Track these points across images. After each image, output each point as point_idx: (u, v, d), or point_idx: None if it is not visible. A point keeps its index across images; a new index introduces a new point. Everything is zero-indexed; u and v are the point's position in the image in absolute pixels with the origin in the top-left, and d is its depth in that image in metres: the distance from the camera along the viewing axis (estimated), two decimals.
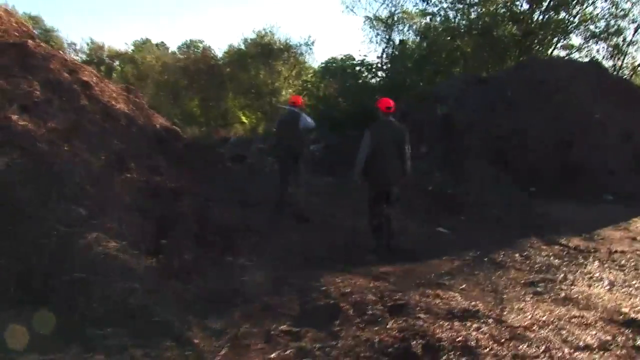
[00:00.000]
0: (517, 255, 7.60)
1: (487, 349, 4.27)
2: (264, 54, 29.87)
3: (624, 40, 24.21)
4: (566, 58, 23.07)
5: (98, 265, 5.06)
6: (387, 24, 27.20)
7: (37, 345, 4.09)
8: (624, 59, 24.90)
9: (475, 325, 4.73)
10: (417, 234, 9.03)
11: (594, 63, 19.31)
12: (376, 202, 7.85)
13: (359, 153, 7.66)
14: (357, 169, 7.72)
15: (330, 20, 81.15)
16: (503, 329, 4.71)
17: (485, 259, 7.38)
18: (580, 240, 8.66)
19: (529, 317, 5.04)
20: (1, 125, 6.52)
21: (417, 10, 26.42)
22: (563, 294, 5.84)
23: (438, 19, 24.93)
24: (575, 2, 23.05)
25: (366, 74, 25.88)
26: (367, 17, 27.84)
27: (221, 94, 30.73)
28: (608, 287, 6.18)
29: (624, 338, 4.59)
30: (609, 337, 4.60)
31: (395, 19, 27.22)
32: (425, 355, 4.20)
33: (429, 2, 24.61)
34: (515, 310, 5.24)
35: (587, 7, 23.52)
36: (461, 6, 24.13)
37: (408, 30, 27.85)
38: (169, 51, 40.13)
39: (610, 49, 24.34)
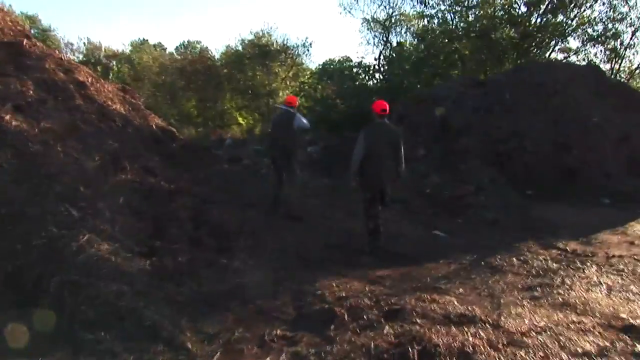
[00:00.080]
0: (514, 259, 7.53)
1: (484, 355, 4.20)
2: (261, 55, 29.80)
3: (622, 43, 24.27)
4: (564, 61, 23.09)
5: (90, 267, 4.99)
6: (384, 26, 27.20)
7: (26, 347, 4.03)
8: (621, 63, 24.97)
9: (472, 331, 4.65)
10: (413, 236, 8.98)
11: (592, 66, 19.34)
12: (371, 204, 7.83)
13: (354, 155, 7.68)
14: (351, 170, 7.75)
15: (327, 22, 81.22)
16: (500, 334, 4.63)
17: (482, 263, 7.32)
18: (578, 244, 8.61)
19: (527, 322, 4.97)
20: None
21: (415, 13, 26.43)
22: (561, 299, 5.77)
23: (436, 21, 24.96)
24: (573, 5, 23.08)
25: (363, 75, 25.90)
26: (365, 19, 27.85)
27: (218, 95, 30.67)
28: (606, 292, 6.11)
29: (622, 344, 4.51)
30: (607, 343, 4.53)
31: (393, 21, 27.25)
32: None
33: (427, 4, 24.64)
34: (513, 315, 5.17)
35: (584, 10, 23.58)
36: (459, 9, 24.16)
37: (405, 33, 27.89)
38: (167, 52, 40.14)
39: (607, 52, 24.39)
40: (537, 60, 22.14)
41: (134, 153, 8.94)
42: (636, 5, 23.51)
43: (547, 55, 24.17)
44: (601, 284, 6.43)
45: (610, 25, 23.62)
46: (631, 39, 24.30)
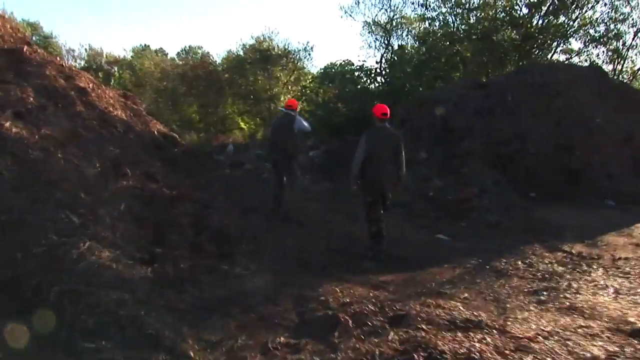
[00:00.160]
0: (519, 262, 7.47)
1: None
2: (263, 60, 29.76)
3: (624, 44, 24.19)
4: (566, 62, 23.02)
5: (90, 275, 4.93)
6: (385, 29, 27.16)
7: (26, 356, 3.97)
8: (623, 63, 24.89)
9: (478, 336, 4.58)
10: (416, 240, 8.92)
11: (594, 67, 19.27)
12: (373, 208, 7.80)
13: (354, 159, 7.66)
14: (352, 174, 7.72)
15: (329, 26, 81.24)
16: (507, 339, 4.56)
17: (487, 267, 7.26)
18: (583, 246, 8.54)
19: (534, 327, 4.90)
20: None
21: (416, 15, 26.39)
22: (568, 303, 5.70)
23: (437, 23, 24.91)
24: (574, 6, 23.02)
25: (365, 79, 25.85)
26: (366, 22, 27.81)
27: (220, 100, 30.65)
28: (613, 296, 6.04)
29: (632, 349, 4.43)
30: (616, 348, 4.45)
31: (394, 24, 27.21)
32: None
33: (428, 7, 24.61)
34: (519, 320, 5.10)
35: (586, 11, 23.52)
36: (460, 11, 24.11)
37: (407, 36, 27.85)
38: (168, 57, 40.15)
39: (609, 53, 24.31)
40: (539, 62, 22.08)
41: (135, 159, 8.89)
42: (638, 5, 23.47)
43: (549, 56, 24.13)
44: (608, 287, 6.37)
45: (612, 26, 23.58)
46: (633, 39, 24.25)
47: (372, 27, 27.70)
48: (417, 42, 27.10)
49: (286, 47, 31.21)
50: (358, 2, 27.68)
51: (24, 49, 8.96)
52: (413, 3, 25.37)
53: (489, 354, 4.21)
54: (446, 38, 24.38)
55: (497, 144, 14.08)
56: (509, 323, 4.99)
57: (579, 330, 4.87)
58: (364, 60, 29.75)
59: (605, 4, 23.23)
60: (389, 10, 26.99)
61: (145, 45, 44.25)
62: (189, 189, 9.06)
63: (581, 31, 23.78)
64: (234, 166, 14.51)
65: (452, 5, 24.10)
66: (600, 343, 4.57)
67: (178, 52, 42.50)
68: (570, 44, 24.59)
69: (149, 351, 4.15)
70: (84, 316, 4.37)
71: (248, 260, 6.72)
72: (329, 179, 13.21)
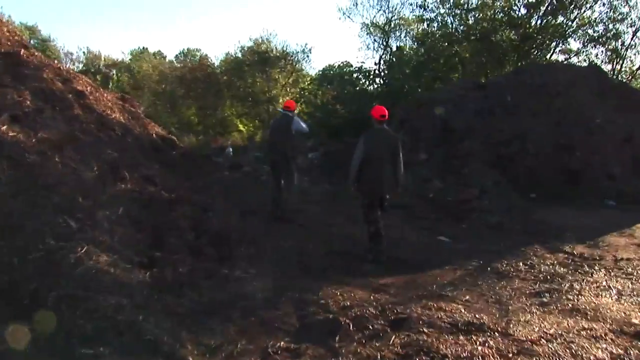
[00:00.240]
0: (520, 264, 7.42)
1: None
2: (261, 62, 29.77)
3: (623, 44, 24.16)
4: (565, 62, 22.99)
5: (88, 280, 4.87)
6: (384, 31, 27.15)
7: None
8: (622, 63, 24.85)
9: (481, 339, 4.53)
10: (417, 242, 8.87)
11: (594, 67, 19.23)
12: (370, 209, 7.79)
13: (353, 160, 7.68)
14: (350, 176, 7.74)
15: (327, 27, 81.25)
16: (510, 343, 4.52)
17: (488, 269, 7.21)
18: (585, 247, 8.49)
19: (536, 329, 4.86)
20: None
21: (414, 17, 26.36)
22: (570, 305, 5.65)
23: (435, 24, 24.87)
24: (573, 6, 22.99)
25: (364, 80, 25.81)
26: (364, 24, 27.79)
27: (218, 103, 30.64)
28: (616, 297, 6.00)
29: (636, 351, 4.39)
30: (620, 351, 4.41)
31: (393, 25, 27.18)
32: None
33: (426, 8, 24.56)
34: (522, 322, 5.05)
35: (585, 11, 23.49)
36: (459, 12, 24.08)
37: (405, 37, 27.82)
38: (166, 60, 40.13)
39: (608, 53, 24.28)
40: (538, 62, 22.05)
41: (133, 162, 8.84)
42: (636, 5, 23.44)
43: (547, 57, 24.09)
44: (611, 288, 6.32)
45: (610, 26, 23.54)
46: (632, 39, 24.22)
47: (371, 28, 27.72)
48: (415, 43, 27.09)
49: (284, 49, 31.27)
50: (356, 3, 27.74)
51: (21, 52, 8.92)
52: (411, 4, 25.38)
53: (491, 358, 4.17)
54: (445, 39, 24.35)
55: (497, 145, 14.04)
56: (511, 326, 4.94)
57: (583, 332, 4.83)
58: (363, 62, 29.75)
59: (604, 4, 23.23)
60: (387, 11, 27.02)
61: (143, 48, 44.29)
62: (188, 191, 9.01)
63: (580, 31, 23.77)
64: (233, 169, 14.46)
65: (451, 6, 24.09)
66: (604, 345, 4.53)
67: (176, 55, 42.52)
68: (569, 44, 24.59)
69: (147, 357, 4.10)
70: (81, 321, 4.31)
71: (247, 263, 6.67)
72: (329, 180, 13.16)
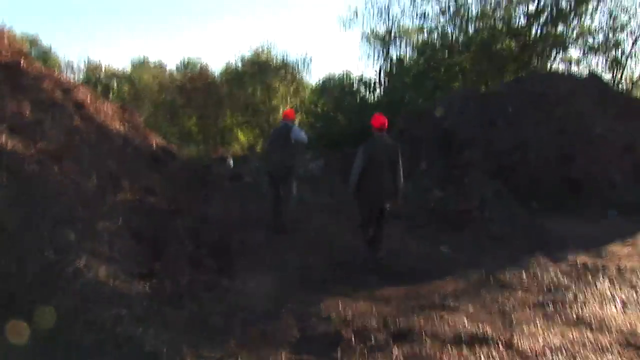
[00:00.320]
0: (523, 274, 7.33)
1: None
2: (261, 72, 29.80)
3: (623, 53, 24.16)
4: (565, 72, 22.99)
5: (87, 292, 4.83)
6: (384, 41, 27.18)
7: None
8: (622, 72, 24.84)
9: (484, 351, 4.49)
10: (418, 252, 8.77)
11: (594, 76, 19.22)
12: (368, 217, 7.86)
13: (353, 170, 7.72)
14: (351, 185, 7.77)
15: (327, 38, 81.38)
16: (514, 355, 4.47)
17: (491, 279, 7.13)
18: (588, 257, 8.41)
19: (541, 341, 4.80)
20: None
21: (415, 27, 26.41)
22: (575, 316, 5.59)
23: (436, 34, 24.91)
24: (573, 15, 23.02)
25: (364, 90, 25.83)
26: (364, 34, 27.84)
27: (218, 112, 30.63)
28: (621, 308, 5.94)
29: None
30: None
31: (393, 35, 27.22)
32: None
33: (426, 18, 24.60)
34: (526, 334, 4.99)
35: (584, 20, 23.52)
36: (459, 22, 24.12)
37: (406, 47, 27.85)
38: (167, 70, 40.13)
39: (608, 61, 24.28)
40: (538, 72, 22.06)
41: (133, 173, 8.82)
42: (636, 14, 23.43)
43: (548, 66, 24.09)
44: (615, 298, 6.26)
45: (610, 35, 23.56)
46: (632, 48, 24.22)
47: (371, 38, 27.76)
48: (415, 53, 27.11)
49: (284, 59, 31.28)
50: (356, 13, 27.76)
51: (21, 63, 8.89)
52: (411, 14, 25.45)
53: None
54: (445, 48, 24.38)
55: (498, 154, 13.98)
56: (515, 337, 4.88)
57: (588, 344, 4.77)
58: (363, 72, 29.81)
59: (604, 13, 23.25)
60: (387, 21, 27.06)
61: (144, 58, 44.27)
62: (188, 202, 8.99)
63: (580, 40, 23.79)
64: (233, 179, 14.38)
65: (451, 16, 24.13)
66: (610, 357, 4.48)
67: (177, 65, 42.49)
68: (569, 53, 24.60)
69: None
70: (80, 334, 4.26)
71: (248, 274, 6.61)
72: (329, 191, 13.09)
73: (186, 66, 38.40)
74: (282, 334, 4.97)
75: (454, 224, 10.83)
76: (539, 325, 5.30)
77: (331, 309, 5.64)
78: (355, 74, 26.94)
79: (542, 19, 23.19)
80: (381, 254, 7.79)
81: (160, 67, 40.44)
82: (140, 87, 32.79)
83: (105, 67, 36.71)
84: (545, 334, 5.01)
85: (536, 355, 4.45)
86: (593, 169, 13.59)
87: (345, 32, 54.36)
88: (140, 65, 38.86)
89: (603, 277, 7.21)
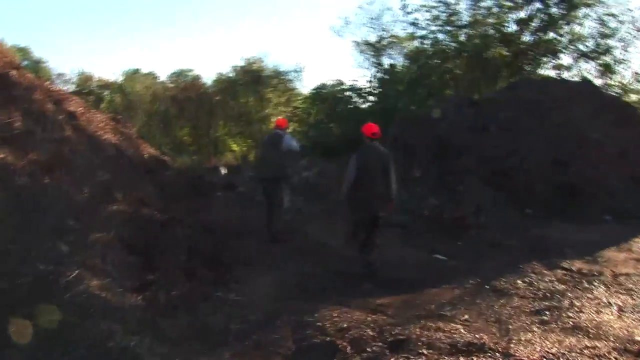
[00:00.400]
0: (519, 281, 7.29)
1: None
2: (253, 81, 29.83)
3: (614, 59, 24.22)
4: (558, 78, 23.05)
5: (79, 305, 4.76)
6: (376, 48, 27.22)
7: None
8: (613, 78, 24.89)
9: None
10: (413, 261, 8.74)
11: (587, 82, 19.25)
12: (359, 225, 7.93)
13: (345, 178, 7.79)
14: (343, 194, 7.84)
15: (319, 46, 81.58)
16: None
17: (487, 287, 7.08)
18: (583, 263, 8.37)
19: (538, 349, 4.74)
20: None
21: (406, 34, 26.46)
22: (571, 323, 5.54)
23: (427, 42, 24.94)
24: (563, 22, 23.10)
25: (357, 98, 25.84)
26: (356, 42, 27.88)
27: (211, 122, 30.62)
28: (618, 314, 5.89)
29: None
30: None
31: (385, 43, 27.27)
32: None
33: (418, 25, 24.64)
34: (523, 342, 4.94)
35: (575, 26, 23.59)
36: (450, 29, 24.17)
37: (398, 54, 27.90)
38: (159, 80, 40.09)
39: (600, 67, 24.34)
40: (531, 78, 22.10)
41: (126, 183, 8.76)
42: (626, 20, 23.48)
43: (540, 72, 24.15)
44: (611, 304, 6.21)
45: (601, 41, 23.63)
46: (622, 54, 24.28)
47: (362, 46, 27.79)
48: (407, 61, 27.14)
49: (277, 68, 31.33)
50: (348, 22, 27.79)
51: (12, 74, 8.84)
52: (403, 22, 25.49)
53: None
54: (437, 56, 24.42)
55: (492, 161, 13.95)
56: (512, 345, 4.83)
57: (585, 351, 4.72)
58: (355, 80, 29.75)
59: (594, 20, 23.33)
60: (378, 29, 27.11)
61: (136, 69, 44.23)
62: (181, 212, 8.93)
63: (571, 47, 23.85)
64: (227, 188, 14.34)
65: (442, 23, 24.16)
66: None
67: (169, 75, 42.47)
68: (560, 60, 24.66)
69: None
70: (72, 349, 4.20)
71: (242, 285, 6.57)
72: (323, 199, 13.05)
73: (178, 76, 38.41)
74: (277, 345, 4.93)
75: (450, 231, 10.82)
76: (535, 332, 5.25)
77: (327, 319, 5.58)
78: (347, 82, 26.88)
79: (533, 26, 23.28)
80: (373, 257, 7.78)
81: (153, 77, 40.42)
82: (132, 98, 32.75)
83: (97, 78, 36.66)
84: (542, 341, 4.95)
85: None
86: (588, 175, 13.56)
87: (337, 40, 54.46)
88: (133, 76, 38.80)
89: (599, 283, 7.16)
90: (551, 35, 23.45)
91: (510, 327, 5.46)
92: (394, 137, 15.22)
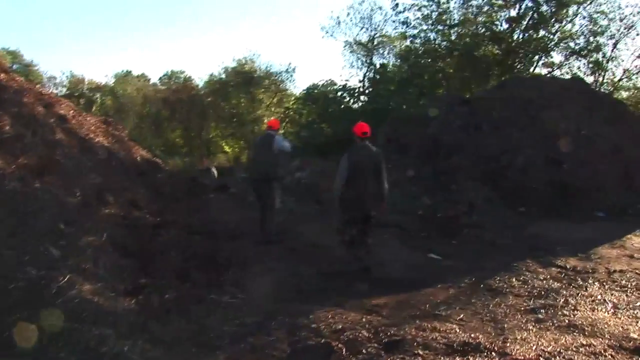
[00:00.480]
0: (513, 279, 7.28)
1: None
2: (245, 82, 29.79)
3: (604, 56, 24.34)
4: (549, 76, 23.13)
5: (71, 310, 4.71)
6: (367, 48, 27.25)
7: None
8: (604, 75, 25.02)
9: None
10: (408, 260, 8.71)
11: (578, 80, 19.34)
12: (348, 225, 7.84)
13: (336, 178, 7.73)
14: (335, 194, 7.78)
15: (310, 47, 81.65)
16: None
17: (482, 285, 7.06)
18: (577, 260, 8.38)
19: (534, 348, 4.73)
20: None
21: (397, 34, 26.50)
22: (566, 321, 5.53)
23: (418, 41, 24.98)
24: (553, 20, 23.20)
25: (348, 98, 25.85)
26: (347, 42, 27.90)
27: (203, 124, 30.57)
28: (612, 311, 5.90)
29: None
30: None
31: (376, 42, 27.30)
32: None
33: (409, 25, 24.67)
34: (518, 340, 4.92)
35: (565, 24, 23.70)
36: (441, 28, 24.22)
37: (389, 54, 27.95)
38: (150, 82, 39.99)
39: (590, 65, 24.45)
40: (522, 76, 22.17)
41: (118, 186, 8.71)
42: (615, 18, 23.62)
43: (531, 70, 24.25)
44: (606, 302, 6.22)
45: (591, 39, 23.75)
46: (612, 51, 24.42)
47: (354, 46, 27.83)
48: (399, 60, 27.19)
49: (268, 69, 31.30)
50: (339, 22, 27.81)
51: (0, 77, 8.77)
52: (394, 21, 25.54)
53: None
54: (428, 55, 24.46)
55: (485, 160, 13.97)
56: (508, 344, 4.81)
57: (581, 349, 4.71)
58: (347, 80, 29.75)
59: (584, 17, 23.45)
60: (370, 29, 27.15)
61: (127, 71, 44.11)
62: (174, 215, 8.88)
63: (561, 44, 23.96)
64: (219, 190, 14.27)
65: (433, 22, 24.20)
66: None
67: (160, 77, 42.37)
68: (551, 57, 24.76)
69: None
70: (63, 354, 4.15)
71: (236, 287, 6.53)
72: (316, 200, 13.02)
73: (170, 78, 38.34)
74: (272, 347, 4.87)
75: (443, 230, 10.81)
76: (531, 331, 5.24)
77: (321, 320, 5.53)
78: (339, 82, 26.90)
79: (523, 24, 23.36)
80: (361, 253, 7.77)
81: (144, 79, 40.34)
82: (123, 100, 32.66)
83: (88, 81, 36.54)
84: (538, 340, 4.94)
85: None
86: (581, 172, 13.60)
87: (329, 40, 54.47)
88: (124, 78, 38.72)
89: (593, 281, 7.18)
90: (542, 33, 23.56)
91: (505, 326, 5.45)
92: (386, 137, 15.22)
